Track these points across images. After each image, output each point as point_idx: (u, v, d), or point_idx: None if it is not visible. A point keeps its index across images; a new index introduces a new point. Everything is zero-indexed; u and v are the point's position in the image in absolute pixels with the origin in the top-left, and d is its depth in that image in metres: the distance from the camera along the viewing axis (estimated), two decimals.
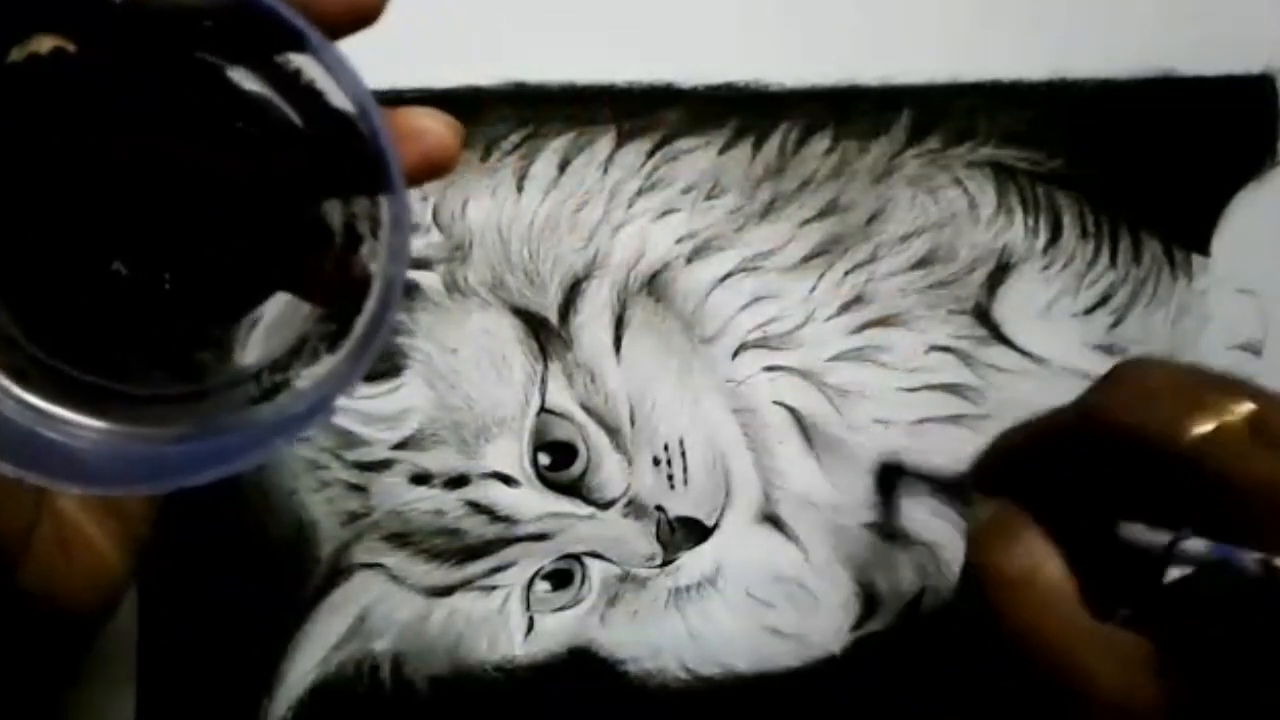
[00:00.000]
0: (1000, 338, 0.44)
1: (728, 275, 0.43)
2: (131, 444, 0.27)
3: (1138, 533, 0.30)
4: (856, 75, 0.43)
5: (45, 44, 0.25)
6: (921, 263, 0.44)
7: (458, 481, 0.42)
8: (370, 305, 0.27)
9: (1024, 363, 0.44)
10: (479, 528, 0.42)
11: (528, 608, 0.42)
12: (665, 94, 0.42)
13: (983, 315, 0.44)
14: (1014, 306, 0.44)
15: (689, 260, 0.43)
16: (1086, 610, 0.29)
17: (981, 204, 0.44)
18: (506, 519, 0.42)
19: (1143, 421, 0.29)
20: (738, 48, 0.42)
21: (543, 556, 0.42)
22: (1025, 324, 0.44)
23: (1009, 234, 0.44)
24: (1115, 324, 0.45)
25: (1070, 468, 0.31)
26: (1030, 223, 0.44)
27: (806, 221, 0.43)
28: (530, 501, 0.42)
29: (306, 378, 0.28)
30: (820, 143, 0.43)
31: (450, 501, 0.42)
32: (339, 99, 0.26)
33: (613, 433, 0.42)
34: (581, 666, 0.42)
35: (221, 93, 0.26)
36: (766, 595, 0.43)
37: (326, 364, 0.28)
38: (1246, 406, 0.29)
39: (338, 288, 0.28)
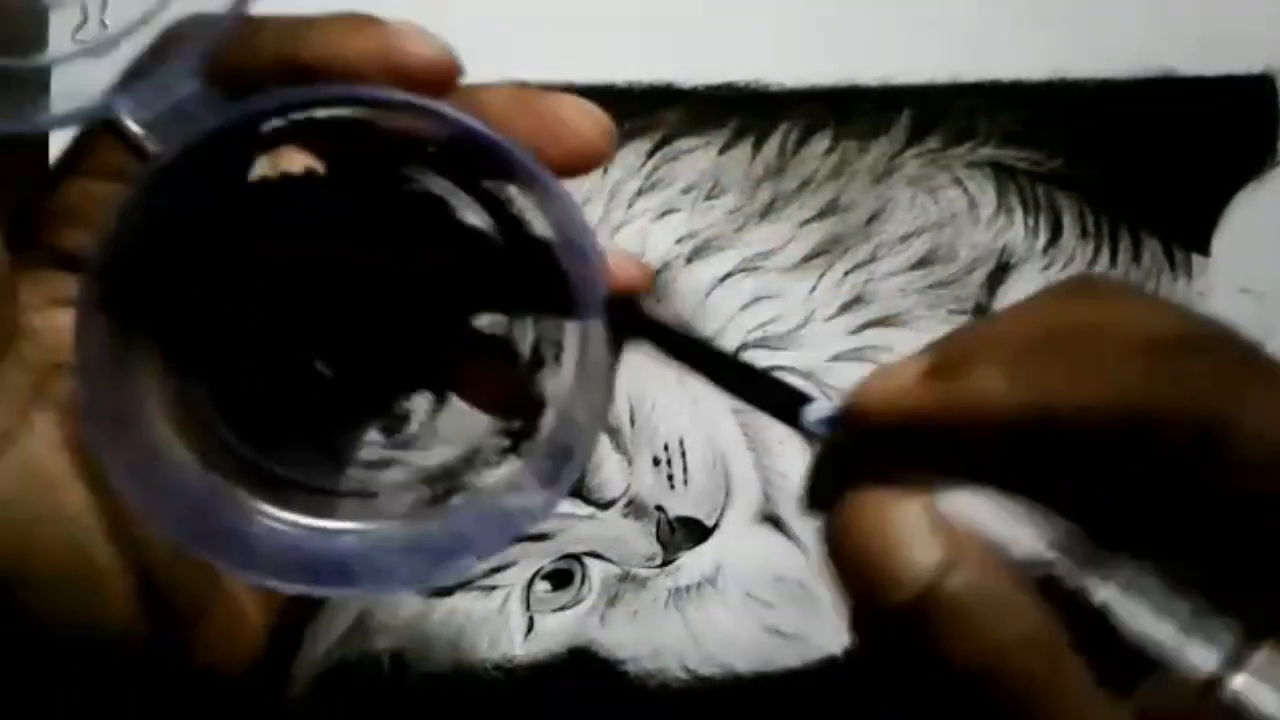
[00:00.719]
0: None
1: (728, 275, 0.43)
2: (309, 538, 0.28)
3: (1192, 614, 0.19)
4: (856, 75, 0.43)
5: (296, 162, 0.27)
6: (921, 263, 0.44)
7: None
8: (548, 427, 0.28)
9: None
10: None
11: (528, 607, 0.42)
12: (665, 94, 0.42)
13: (983, 315, 0.44)
14: None
15: (689, 260, 0.43)
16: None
17: (981, 204, 0.44)
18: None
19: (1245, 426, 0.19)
20: (738, 48, 0.42)
21: (543, 556, 0.42)
22: None
23: (1009, 234, 0.44)
24: None
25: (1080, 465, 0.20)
26: (1030, 223, 0.44)
27: (806, 221, 0.43)
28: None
29: (477, 487, 0.29)
30: (820, 143, 0.43)
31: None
32: (542, 226, 0.27)
33: (613, 433, 0.42)
34: (581, 666, 0.42)
35: (432, 210, 0.28)
36: (766, 595, 0.43)
37: (497, 478, 0.29)
38: None
39: (515, 404, 0.29)
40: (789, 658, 0.43)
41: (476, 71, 0.42)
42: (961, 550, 0.19)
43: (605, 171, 0.42)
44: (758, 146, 0.43)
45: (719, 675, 0.43)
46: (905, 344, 0.44)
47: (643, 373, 0.42)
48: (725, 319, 0.43)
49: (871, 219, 0.44)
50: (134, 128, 0.25)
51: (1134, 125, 0.44)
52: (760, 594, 0.43)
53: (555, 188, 0.25)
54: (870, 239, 0.44)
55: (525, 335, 0.29)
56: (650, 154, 0.42)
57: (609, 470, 0.42)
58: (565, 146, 0.27)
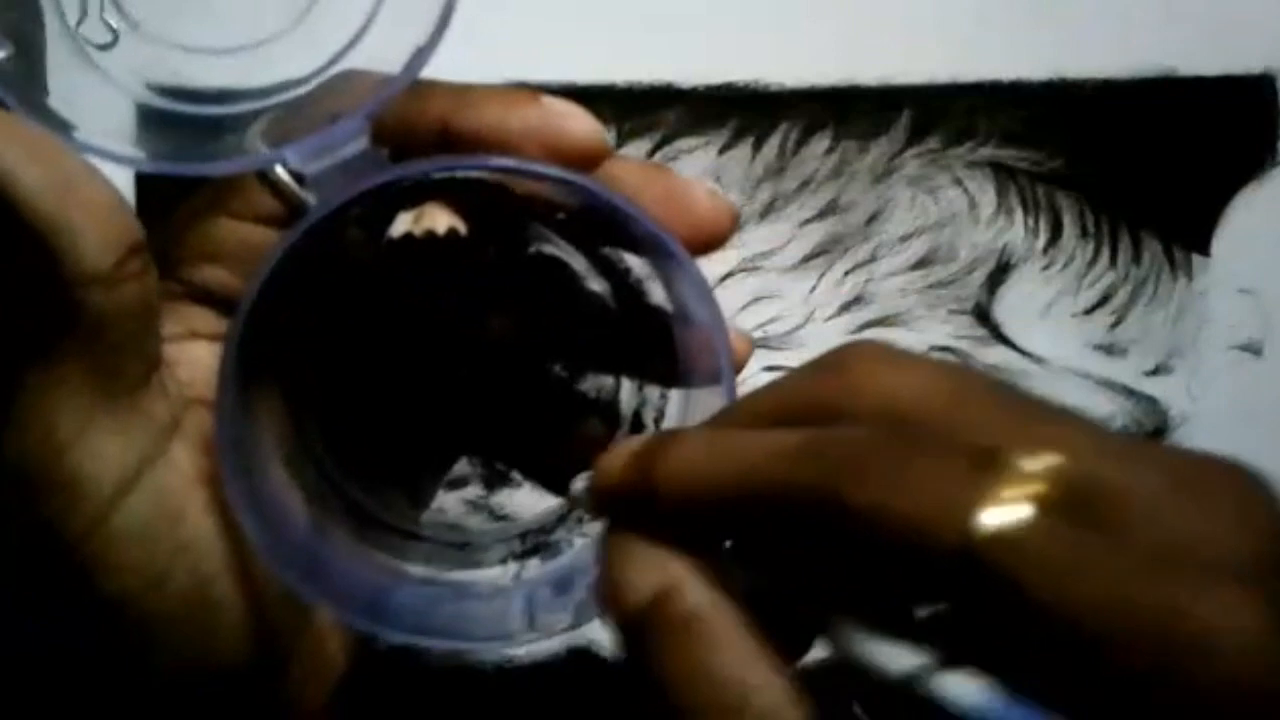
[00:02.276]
0: (1000, 338, 0.44)
1: (728, 275, 0.43)
2: (412, 589, 0.29)
3: (869, 646, 0.20)
4: (856, 75, 0.43)
5: (441, 221, 0.27)
6: (921, 263, 0.44)
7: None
8: None
9: (1024, 363, 0.44)
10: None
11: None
12: (665, 94, 0.42)
13: (983, 315, 0.44)
14: (1014, 306, 0.44)
15: None
16: None
17: (981, 204, 0.44)
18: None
19: (874, 501, 0.19)
20: (738, 48, 0.42)
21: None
22: (1025, 324, 0.44)
23: (1009, 234, 0.44)
24: (1115, 324, 0.45)
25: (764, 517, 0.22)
26: (1030, 223, 0.44)
27: (806, 221, 0.43)
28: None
29: (566, 545, 0.30)
30: (820, 143, 0.43)
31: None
32: (659, 297, 0.28)
33: None
34: (581, 666, 0.42)
35: (561, 275, 0.29)
36: None
37: (584, 537, 0.30)
38: (1050, 461, 0.19)
39: None
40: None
41: (477, 71, 0.42)
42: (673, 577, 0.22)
43: None
44: (758, 146, 0.43)
45: None
46: (905, 344, 0.44)
47: None
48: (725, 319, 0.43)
49: (871, 219, 0.44)
50: (289, 180, 0.26)
51: (1134, 125, 0.44)
52: None
53: (685, 259, 0.26)
54: (870, 239, 0.44)
55: (630, 401, 0.30)
56: (650, 154, 0.43)
57: None
58: (692, 223, 0.27)
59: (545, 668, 0.42)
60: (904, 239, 0.44)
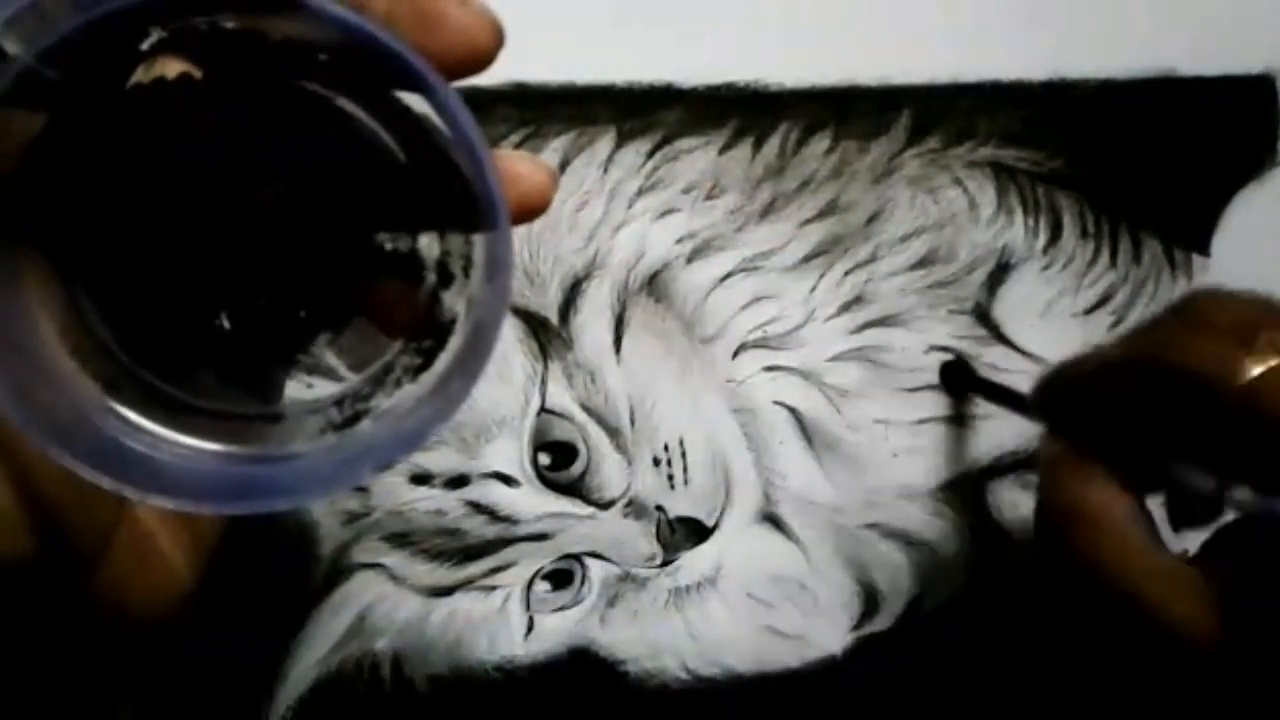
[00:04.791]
0: (1000, 338, 0.44)
1: (728, 275, 0.43)
2: (217, 462, 0.27)
3: (1189, 475, 0.31)
4: (856, 75, 0.43)
5: (172, 68, 0.25)
6: (921, 263, 0.44)
7: (458, 481, 0.42)
8: (457, 343, 0.27)
9: (1024, 363, 0.44)
10: (479, 528, 0.42)
11: (528, 608, 0.42)
12: (665, 94, 0.42)
13: (983, 315, 0.44)
14: (1014, 306, 0.44)
15: (689, 260, 0.43)
16: (1155, 547, 0.31)
17: (981, 204, 0.44)
18: (506, 519, 0.42)
19: (1197, 361, 0.29)
20: (738, 48, 0.42)
21: (543, 556, 0.42)
22: (1025, 324, 0.44)
23: (1009, 234, 0.44)
24: (1115, 324, 0.45)
25: (1127, 403, 0.32)
26: (1030, 223, 0.44)
27: (806, 221, 0.43)
28: (530, 501, 0.42)
29: (387, 408, 0.28)
30: (820, 143, 0.43)
31: (450, 501, 0.42)
32: (443, 137, 0.26)
33: (613, 433, 0.42)
34: (581, 666, 0.42)
35: (329, 124, 0.27)
36: (766, 595, 0.43)
37: (407, 396, 0.28)
38: None
39: (424, 323, 0.28)
40: (788, 658, 0.43)
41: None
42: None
43: (605, 171, 0.42)
44: (758, 146, 0.43)
45: (719, 675, 0.43)
46: (905, 344, 0.44)
47: (643, 373, 0.42)
48: (725, 319, 0.43)
49: (871, 219, 0.44)
50: None
51: (1134, 125, 0.44)
52: (760, 594, 0.43)
53: (438, 84, 0.24)
54: (870, 239, 0.44)
55: (432, 251, 0.28)
56: (650, 154, 0.42)
57: (609, 470, 0.42)
58: (445, 43, 0.26)
59: (545, 668, 0.42)
60: (904, 239, 0.44)
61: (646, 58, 0.42)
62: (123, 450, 0.26)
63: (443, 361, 0.28)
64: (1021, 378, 0.44)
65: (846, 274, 0.43)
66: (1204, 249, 0.45)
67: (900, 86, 0.43)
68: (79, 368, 0.26)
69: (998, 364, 0.44)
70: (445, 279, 0.28)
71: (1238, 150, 0.45)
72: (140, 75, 0.25)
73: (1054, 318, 0.44)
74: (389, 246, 0.28)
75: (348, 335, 0.29)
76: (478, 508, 0.42)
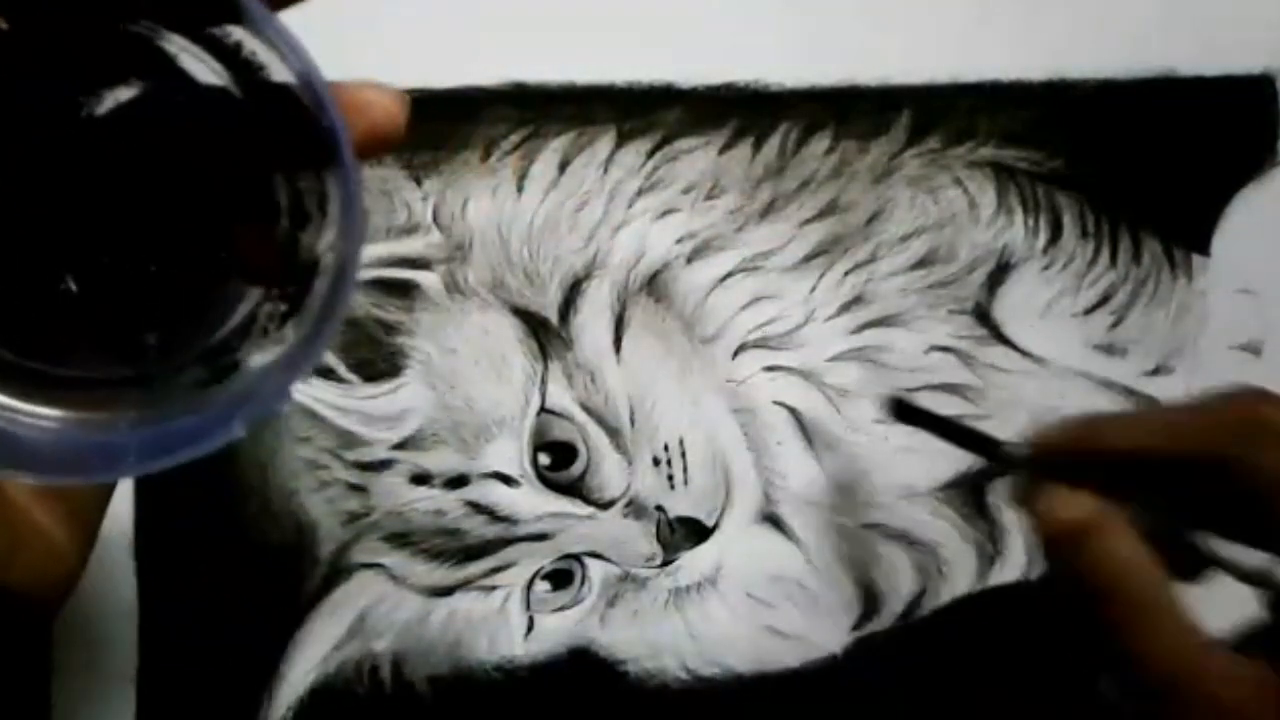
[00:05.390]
0: (1000, 338, 0.44)
1: (728, 275, 0.43)
2: (81, 431, 0.26)
3: (1230, 551, 0.31)
4: (856, 75, 0.43)
5: None
6: (921, 263, 0.44)
7: (458, 481, 0.42)
8: (322, 285, 0.26)
9: (1024, 363, 0.44)
10: (479, 528, 0.42)
11: (528, 608, 0.42)
12: (665, 94, 0.42)
13: (983, 315, 0.44)
14: (1014, 306, 0.44)
15: (689, 260, 0.43)
16: (1199, 631, 0.30)
17: (981, 204, 0.44)
18: (506, 519, 0.42)
19: (1254, 462, 0.29)
20: (738, 48, 0.42)
21: (543, 556, 0.42)
22: (1025, 324, 0.44)
23: (1009, 234, 0.44)
24: (1115, 324, 0.45)
25: (1159, 475, 0.31)
26: (1030, 223, 0.44)
27: (806, 221, 0.43)
28: (530, 501, 0.42)
29: (257, 358, 0.27)
30: (820, 143, 0.43)
31: (450, 501, 0.42)
32: (282, 72, 0.25)
33: (613, 433, 0.42)
34: (581, 666, 0.42)
35: (158, 66, 0.26)
36: (766, 595, 0.43)
37: (276, 344, 0.27)
38: None
39: (285, 267, 0.27)
40: (789, 658, 0.43)
41: (478, 71, 0.42)
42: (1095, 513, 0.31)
43: (605, 171, 0.42)
44: (758, 146, 0.43)
45: (719, 675, 0.43)
46: (905, 344, 0.44)
47: (643, 373, 0.42)
48: (725, 319, 0.43)
49: (871, 219, 0.44)
50: None
51: (1134, 125, 0.44)
52: (760, 594, 0.43)
53: (268, 19, 0.23)
54: (870, 239, 0.44)
55: (283, 192, 0.27)
56: (650, 154, 0.42)
57: (609, 470, 0.42)
58: None
59: (545, 668, 0.42)
60: (904, 239, 0.44)
61: (646, 58, 0.42)
62: None
63: (308, 306, 0.26)
64: (1022, 378, 0.44)
65: (846, 274, 0.43)
66: (1204, 249, 0.45)
67: (900, 86, 0.43)
68: None
69: (998, 364, 0.44)
70: (300, 220, 0.27)
71: (1238, 150, 0.45)
72: None
73: (1054, 318, 0.44)
74: (236, 190, 0.27)
75: (210, 286, 0.27)
76: (478, 508, 0.42)
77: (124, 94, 0.26)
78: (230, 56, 0.25)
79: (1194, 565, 0.32)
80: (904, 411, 0.42)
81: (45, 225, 0.26)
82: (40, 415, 0.26)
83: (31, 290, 0.26)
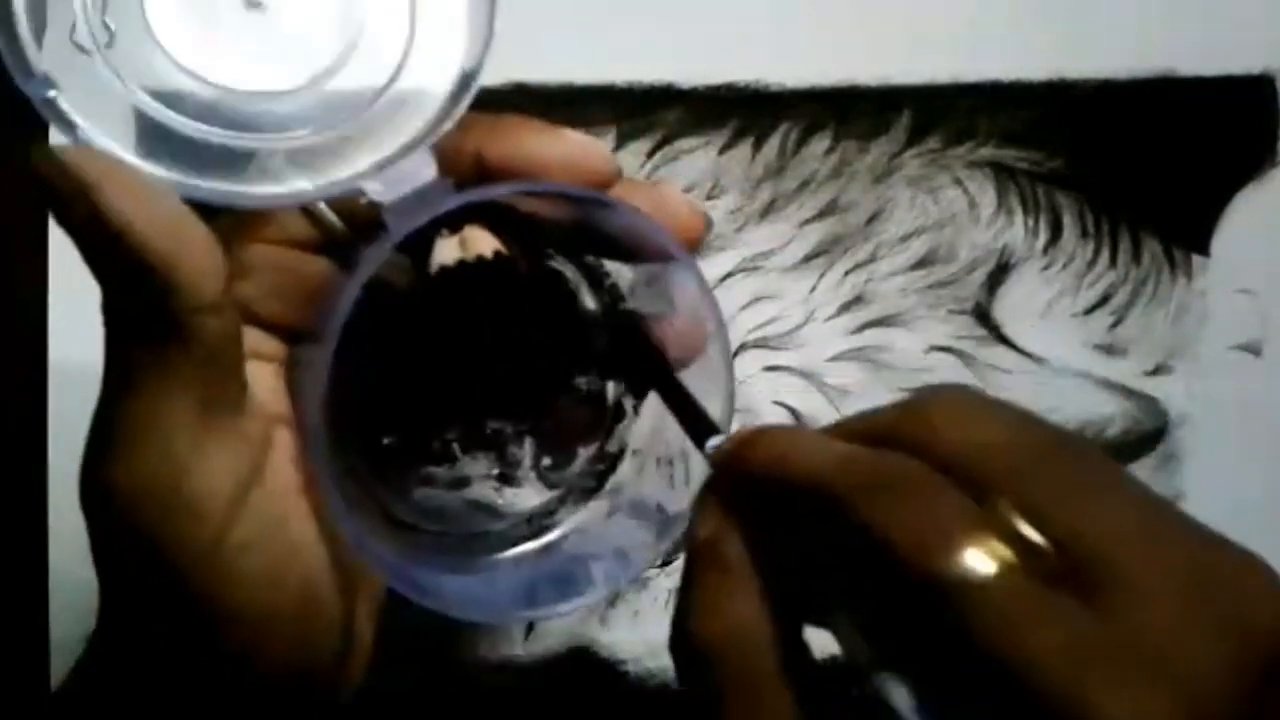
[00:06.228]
0: (1000, 338, 0.44)
1: (728, 275, 0.43)
2: (441, 570, 0.33)
3: (842, 625, 0.25)
4: (856, 75, 0.43)
5: (485, 245, 0.31)
6: (921, 263, 0.44)
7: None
8: (626, 470, 0.34)
9: (1024, 363, 0.44)
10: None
11: None
12: (665, 94, 0.42)
13: (983, 315, 0.44)
14: (1014, 306, 0.44)
15: None
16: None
17: (981, 204, 0.44)
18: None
19: (899, 532, 0.22)
20: (738, 48, 0.42)
21: None
22: (1025, 324, 0.44)
23: (1009, 234, 0.44)
24: (1115, 324, 0.45)
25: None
26: (1030, 223, 0.44)
27: (806, 221, 0.43)
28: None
29: (566, 524, 0.34)
30: (820, 143, 0.43)
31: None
32: (636, 300, 0.33)
33: None
34: (581, 666, 0.42)
35: (551, 284, 0.33)
36: None
37: (581, 515, 0.34)
38: (1061, 529, 0.22)
39: (600, 451, 0.35)
40: None
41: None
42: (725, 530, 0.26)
43: None
44: (758, 146, 0.43)
45: None
46: (905, 344, 0.44)
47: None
48: (725, 319, 0.43)
49: (871, 219, 0.44)
50: (327, 211, 0.29)
51: (1134, 125, 0.44)
52: None
53: (687, 259, 0.30)
54: (870, 239, 0.44)
55: (614, 392, 0.35)
56: (650, 154, 0.43)
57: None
58: (678, 228, 0.31)
59: (545, 668, 0.42)
60: (904, 239, 0.44)
61: (646, 58, 0.42)
62: (405, 566, 0.31)
63: (609, 486, 0.34)
64: (1022, 378, 0.44)
65: (846, 274, 0.43)
66: (1204, 249, 0.45)
67: (900, 86, 0.43)
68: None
69: (998, 364, 0.44)
70: (619, 415, 0.34)
71: (1238, 150, 0.45)
72: (460, 251, 0.31)
73: (1054, 318, 0.44)
74: (581, 386, 0.35)
75: (541, 464, 0.35)
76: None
77: (527, 307, 0.33)
78: (599, 283, 0.33)
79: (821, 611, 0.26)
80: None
81: (449, 400, 0.34)
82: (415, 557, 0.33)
83: (423, 453, 0.34)
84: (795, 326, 0.43)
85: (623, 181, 0.31)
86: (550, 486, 0.35)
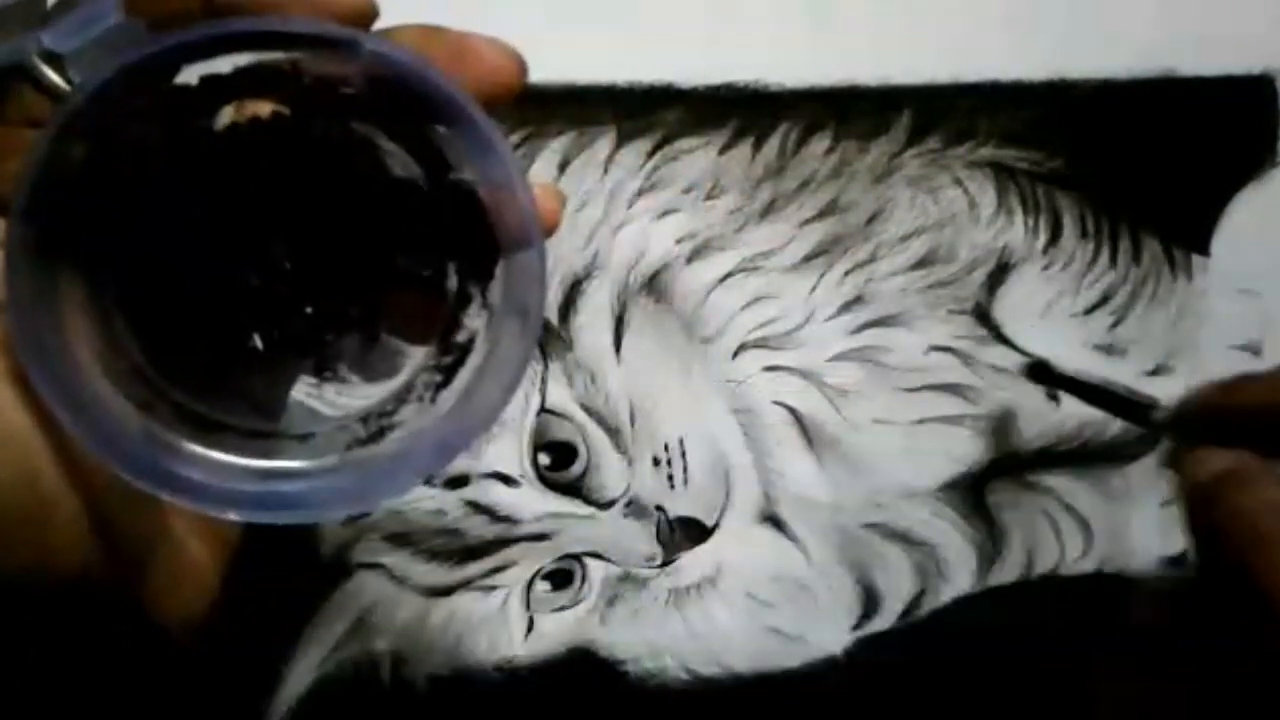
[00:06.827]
0: (1000, 338, 0.44)
1: (728, 275, 0.43)
2: (244, 476, 0.28)
3: None
4: (856, 75, 0.43)
5: (264, 109, 0.27)
6: (921, 263, 0.44)
7: (458, 481, 0.42)
8: (475, 360, 0.29)
9: (1024, 363, 0.44)
10: (479, 528, 0.42)
11: (528, 608, 0.42)
12: (665, 94, 0.42)
13: (983, 315, 0.44)
14: (1014, 306, 0.44)
15: (689, 260, 0.43)
16: None
17: (981, 204, 0.44)
18: (506, 519, 0.42)
19: None
20: (738, 48, 0.42)
21: (543, 556, 0.42)
22: (1025, 324, 0.44)
23: (1009, 234, 0.44)
24: (1115, 324, 0.45)
25: None
26: (1030, 223, 0.44)
27: (806, 221, 0.43)
28: (530, 501, 0.42)
29: (410, 424, 0.30)
30: (820, 143, 0.43)
31: (450, 501, 0.42)
32: (468, 169, 0.28)
33: (613, 433, 0.42)
34: (581, 666, 0.42)
35: (359, 154, 0.29)
36: (766, 595, 0.43)
37: (426, 414, 0.30)
38: None
39: (445, 341, 0.30)
40: (789, 658, 0.43)
41: None
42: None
43: (605, 171, 0.42)
44: (758, 146, 0.43)
45: (719, 675, 0.43)
46: (905, 344, 0.44)
47: (643, 373, 0.42)
48: (725, 319, 0.43)
49: (871, 219, 0.44)
50: (49, 72, 0.25)
51: (1134, 125, 0.44)
52: (760, 594, 0.43)
53: (480, 119, 0.26)
54: (870, 239, 0.44)
55: (451, 272, 0.30)
56: (650, 154, 0.43)
57: (609, 470, 0.42)
58: (480, 76, 0.27)
59: (545, 668, 0.42)
60: (904, 239, 0.44)
61: (646, 58, 0.42)
62: (158, 464, 0.27)
63: (461, 379, 0.29)
64: (1022, 377, 0.44)
65: (846, 274, 0.43)
66: (1204, 249, 0.45)
67: (900, 86, 0.43)
68: (113, 388, 0.27)
69: (998, 364, 0.44)
70: (463, 300, 0.30)
71: (1238, 150, 0.45)
72: (234, 115, 0.27)
73: (1054, 318, 0.44)
74: (410, 269, 0.30)
75: (373, 353, 0.30)
76: (477, 507, 0.42)
77: (330, 176, 0.29)
78: (421, 149, 0.29)
79: None
80: (1044, 375, 0.42)
81: (244, 285, 0.29)
82: (211, 458, 0.28)
83: (221, 344, 0.29)
84: (795, 326, 0.43)
85: (412, 28, 0.28)
86: (378, 381, 0.31)
